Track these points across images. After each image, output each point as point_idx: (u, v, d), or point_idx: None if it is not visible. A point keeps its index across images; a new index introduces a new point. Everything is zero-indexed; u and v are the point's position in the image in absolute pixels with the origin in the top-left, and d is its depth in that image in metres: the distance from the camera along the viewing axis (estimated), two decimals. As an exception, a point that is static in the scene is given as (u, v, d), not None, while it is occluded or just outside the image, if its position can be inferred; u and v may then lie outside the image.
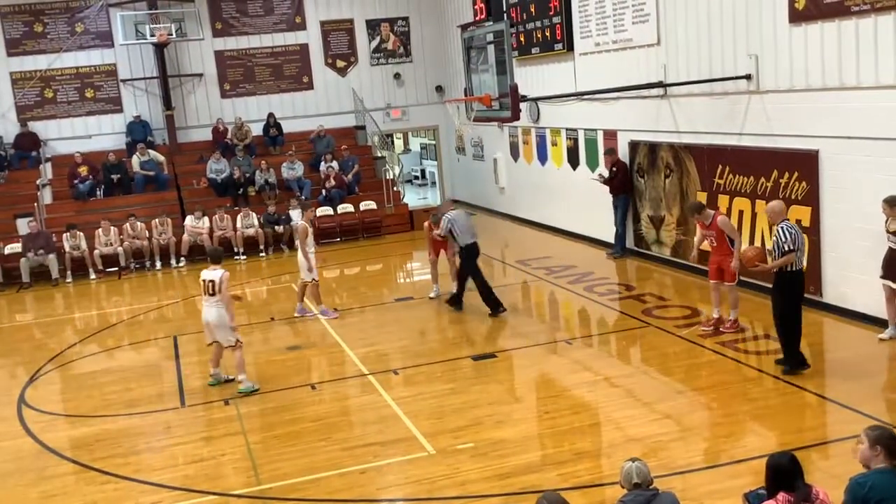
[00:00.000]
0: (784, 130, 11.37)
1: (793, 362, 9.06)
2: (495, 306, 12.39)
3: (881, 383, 8.83)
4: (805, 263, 8.99)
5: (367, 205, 20.38)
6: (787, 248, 8.78)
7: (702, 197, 13.14)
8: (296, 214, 19.34)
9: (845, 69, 10.28)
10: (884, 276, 9.59)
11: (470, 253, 12.56)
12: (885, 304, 9.75)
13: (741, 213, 12.24)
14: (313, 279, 13.01)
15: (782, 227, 8.85)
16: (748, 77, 11.82)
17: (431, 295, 13.70)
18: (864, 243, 9.72)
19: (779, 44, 11.24)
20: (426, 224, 13.79)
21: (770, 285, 9.26)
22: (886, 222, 9.47)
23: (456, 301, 12.89)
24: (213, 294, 9.93)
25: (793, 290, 8.99)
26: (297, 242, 13.26)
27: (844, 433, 7.58)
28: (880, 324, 9.96)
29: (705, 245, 10.96)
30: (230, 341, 10.09)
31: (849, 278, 9.14)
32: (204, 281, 10.01)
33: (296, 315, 13.26)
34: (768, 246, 10.04)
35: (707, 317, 11.13)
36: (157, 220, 18.68)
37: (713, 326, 10.85)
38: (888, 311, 9.77)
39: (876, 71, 9.85)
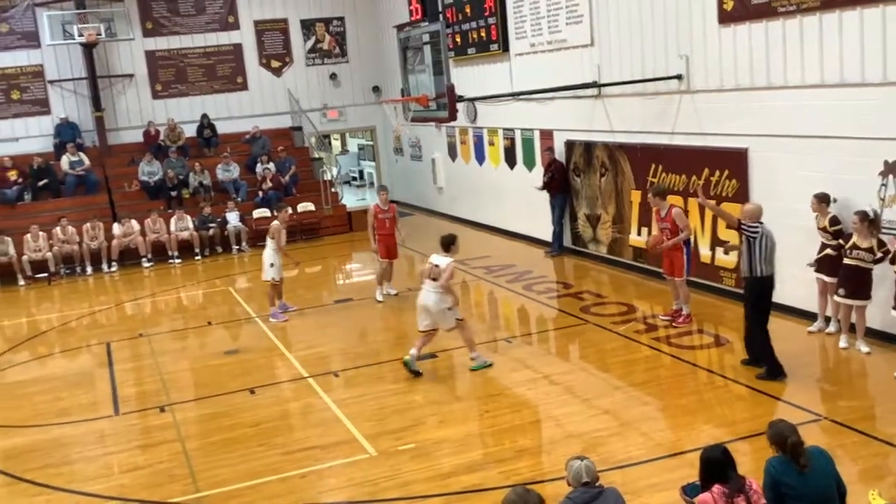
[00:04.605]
0: (714, 129, 11.62)
1: (771, 371, 8.91)
2: None
3: (810, 375, 9.07)
4: (770, 270, 8.82)
5: (305, 206, 20.20)
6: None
7: (636, 195, 13.38)
8: (233, 217, 19.13)
9: (772, 69, 10.54)
10: (817, 270, 9.86)
11: None
12: (816, 297, 10.03)
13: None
14: (273, 278, 12.80)
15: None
16: (679, 77, 12.04)
17: (383, 296, 13.44)
18: (793, 238, 9.98)
19: (708, 44, 11.47)
20: (371, 208, 13.49)
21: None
22: (816, 218, 9.74)
23: None
24: (435, 279, 9.63)
25: (755, 296, 8.93)
26: (271, 241, 12.84)
27: (776, 424, 7.78)
28: (809, 317, 10.25)
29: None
30: (451, 324, 9.86)
31: (779, 273, 9.37)
32: (430, 265, 9.78)
33: (271, 319, 12.93)
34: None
35: (665, 310, 11.38)
36: (88, 224, 18.22)
37: (670, 317, 11.10)
38: (819, 304, 10.05)
39: (802, 70, 10.13)
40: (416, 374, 9.88)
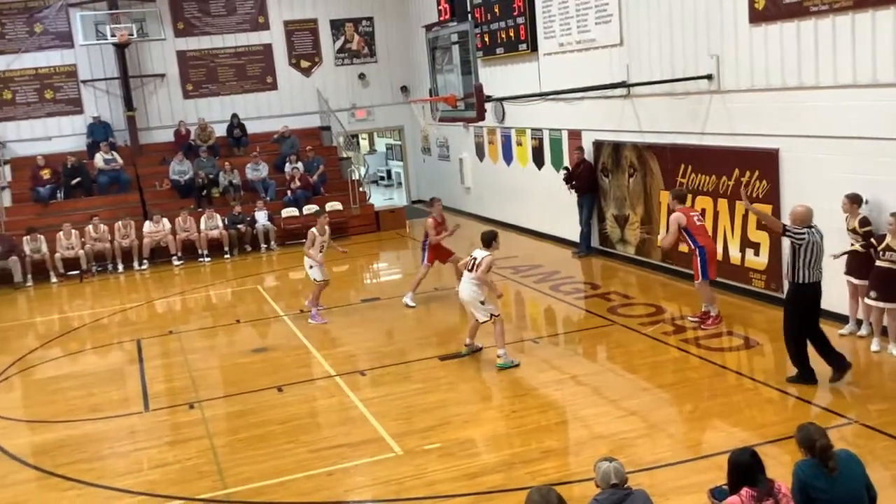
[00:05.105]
0: (745, 129, 11.52)
1: (803, 375, 8.71)
2: None
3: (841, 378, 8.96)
4: (815, 277, 8.46)
5: (333, 206, 20.25)
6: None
7: (665, 196, 13.28)
8: (262, 216, 19.24)
9: (804, 69, 10.43)
10: (847, 273, 9.74)
11: None
12: (847, 299, 9.91)
13: (703, 211, 12.36)
14: (315, 279, 12.82)
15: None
16: (709, 77, 11.95)
17: (411, 303, 13.19)
18: (824, 240, 9.86)
19: (739, 44, 11.38)
20: (429, 222, 13.03)
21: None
22: (846, 219, 9.62)
23: None
24: (472, 271, 10.13)
25: (796, 303, 8.66)
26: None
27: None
28: (841, 320, 10.13)
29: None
30: (484, 317, 10.17)
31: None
32: (471, 258, 10.31)
33: (310, 321, 12.90)
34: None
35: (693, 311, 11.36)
36: (119, 222, 18.44)
37: (699, 318, 11.04)
38: (850, 306, 9.92)
39: (834, 70, 10.02)
40: (477, 349, 10.55)
